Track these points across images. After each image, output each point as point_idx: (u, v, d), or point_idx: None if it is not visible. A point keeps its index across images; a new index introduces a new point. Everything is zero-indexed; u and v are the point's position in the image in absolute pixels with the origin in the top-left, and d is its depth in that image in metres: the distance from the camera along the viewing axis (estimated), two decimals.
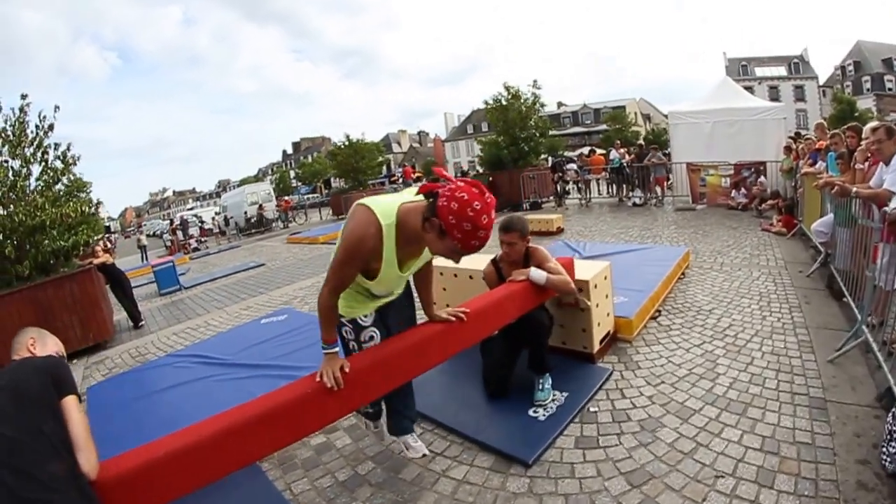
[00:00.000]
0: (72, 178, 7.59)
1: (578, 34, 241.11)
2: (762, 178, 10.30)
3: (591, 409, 3.07)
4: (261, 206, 25.81)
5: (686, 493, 2.24)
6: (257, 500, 2.72)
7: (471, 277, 4.32)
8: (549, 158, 20.45)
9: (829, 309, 4.26)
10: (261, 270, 11.44)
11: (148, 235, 28.09)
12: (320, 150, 52.62)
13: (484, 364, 3.46)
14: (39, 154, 6.89)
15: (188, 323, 7.29)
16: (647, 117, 58.20)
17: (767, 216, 8.98)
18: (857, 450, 2.37)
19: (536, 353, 3.26)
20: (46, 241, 6.54)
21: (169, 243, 23.71)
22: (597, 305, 3.66)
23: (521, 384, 3.31)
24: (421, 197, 1.89)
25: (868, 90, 47.54)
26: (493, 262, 3.46)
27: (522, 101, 16.73)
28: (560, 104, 60.16)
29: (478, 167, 19.78)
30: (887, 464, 2.16)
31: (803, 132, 13.35)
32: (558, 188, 14.71)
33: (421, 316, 2.54)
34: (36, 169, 6.91)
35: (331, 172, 35.29)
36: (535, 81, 16.76)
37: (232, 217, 27.17)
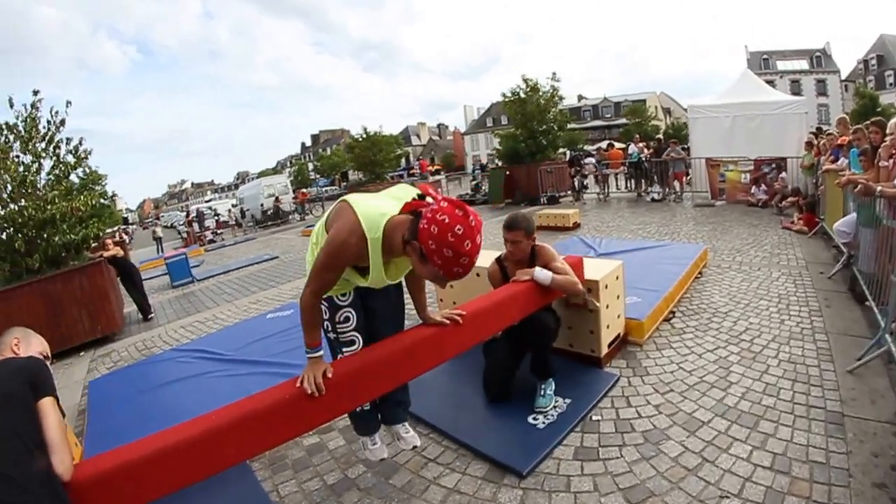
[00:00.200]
0: (87, 170, 7.68)
1: (601, 26, 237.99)
2: (783, 174, 9.97)
3: (594, 418, 2.93)
4: (277, 198, 25.92)
5: None
6: (244, 500, 2.68)
7: (477, 275, 4.18)
8: (568, 152, 20.18)
9: (850, 313, 4.04)
10: (274, 263, 11.46)
11: (165, 227, 28.48)
12: (339, 143, 52.77)
13: (485, 366, 3.34)
14: (51, 149, 6.96)
15: (197, 316, 7.30)
16: (667, 111, 57.19)
17: (788, 214, 8.68)
18: (873, 471, 2.20)
19: (539, 356, 3.14)
20: (57, 235, 6.62)
21: (185, 235, 23.96)
22: (606, 307, 3.51)
23: (524, 388, 3.19)
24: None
25: (891, 85, 45.77)
26: (498, 260, 3.33)
27: (541, 93, 16.47)
28: (580, 97, 59.54)
29: (497, 161, 19.54)
30: None
31: (825, 127, 12.92)
32: (576, 182, 14.47)
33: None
34: (47, 163, 6.98)
35: (348, 165, 35.31)
36: (553, 74, 16.57)
37: (248, 209, 27.38)
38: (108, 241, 7.78)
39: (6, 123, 6.64)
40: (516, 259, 3.11)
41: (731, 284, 5.11)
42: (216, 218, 26.69)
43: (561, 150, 20.26)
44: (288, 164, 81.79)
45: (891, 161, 4.09)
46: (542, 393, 3.09)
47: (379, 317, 2.31)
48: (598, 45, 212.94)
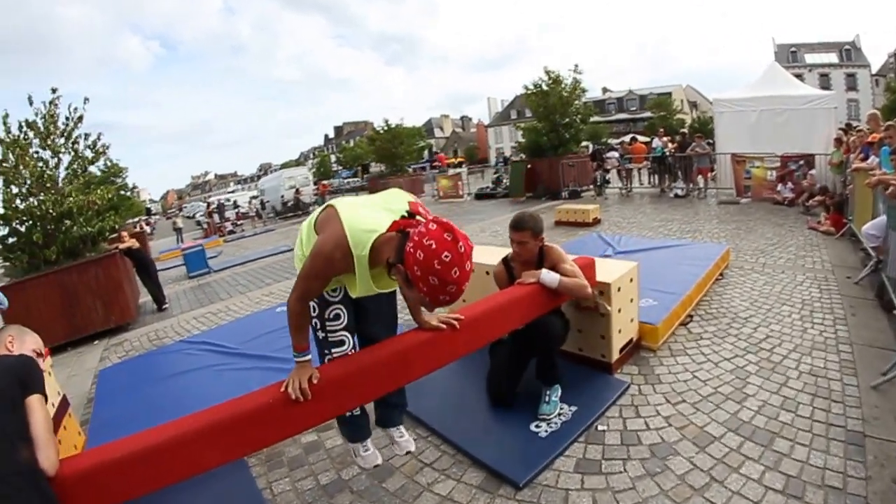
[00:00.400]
0: (108, 163, 7.87)
1: (628, 17, 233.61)
2: (813, 171, 9.59)
3: (600, 428, 2.80)
4: (298, 190, 26.04)
5: None
6: (236, 495, 2.67)
7: (487, 273, 4.07)
8: (590, 146, 19.81)
9: (877, 323, 3.81)
10: (290, 255, 11.44)
11: (186, 217, 28.89)
12: (362, 135, 52.97)
13: (490, 368, 3.23)
14: (70, 144, 7.15)
15: (210, 307, 7.35)
16: (693, 105, 56.00)
17: (815, 213, 8.35)
18: (893, 500, 2.04)
19: (545, 361, 3.02)
20: (74, 228, 6.77)
21: (205, 226, 24.26)
22: (619, 310, 3.35)
23: (530, 392, 3.07)
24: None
25: None
26: (505, 261, 3.21)
27: (563, 86, 16.15)
28: (605, 90, 58.62)
29: (520, 154, 19.30)
30: None
31: (854, 123, 12.40)
32: (598, 177, 14.19)
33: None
34: (66, 158, 7.19)
35: (370, 157, 35.46)
36: (576, 66, 16.13)
37: (268, 201, 27.59)
38: (124, 233, 7.90)
39: (26, 120, 6.83)
40: (523, 260, 2.99)
41: (754, 288, 4.90)
42: (236, 210, 26.95)
43: (584, 143, 19.89)
44: (311, 155, 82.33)
45: None
46: (547, 399, 2.97)
47: (371, 316, 2.23)
48: (624, 37, 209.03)
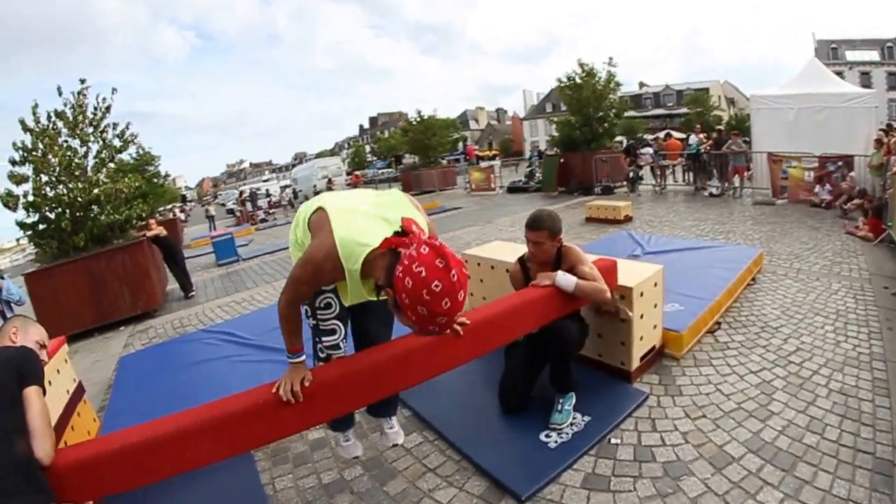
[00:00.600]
0: (140, 151, 8.07)
1: (666, 9, 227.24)
2: (852, 173, 9.11)
3: (613, 441, 2.68)
4: (330, 179, 26.27)
5: None
6: (238, 488, 2.70)
7: (507, 271, 3.97)
8: (625, 141, 19.34)
9: None
10: None
11: (220, 205, 29.42)
12: (397, 126, 53.13)
13: (503, 371, 3.13)
14: (98, 133, 7.36)
15: (235, 296, 7.44)
16: (731, 101, 54.19)
17: (853, 217, 7.93)
18: None
19: (559, 368, 2.92)
20: (102, 215, 6.95)
21: (238, 214, 24.71)
22: (641, 316, 3.20)
23: (544, 398, 2.97)
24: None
25: None
26: (521, 260, 3.08)
27: (597, 79, 15.79)
28: (642, 84, 57.23)
29: (555, 148, 19.03)
30: None
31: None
32: (631, 173, 13.86)
33: None
34: (94, 147, 7.39)
35: (403, 149, 35.59)
36: (610, 59, 15.74)
37: (301, 190, 27.92)
38: (152, 221, 8.04)
39: (55, 110, 7.03)
40: (539, 261, 2.85)
41: (786, 295, 4.67)
42: (268, 199, 27.37)
43: (618, 138, 19.44)
44: (346, 145, 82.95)
45: None
46: (560, 408, 2.86)
47: (368, 313, 2.18)
48: (661, 30, 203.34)
